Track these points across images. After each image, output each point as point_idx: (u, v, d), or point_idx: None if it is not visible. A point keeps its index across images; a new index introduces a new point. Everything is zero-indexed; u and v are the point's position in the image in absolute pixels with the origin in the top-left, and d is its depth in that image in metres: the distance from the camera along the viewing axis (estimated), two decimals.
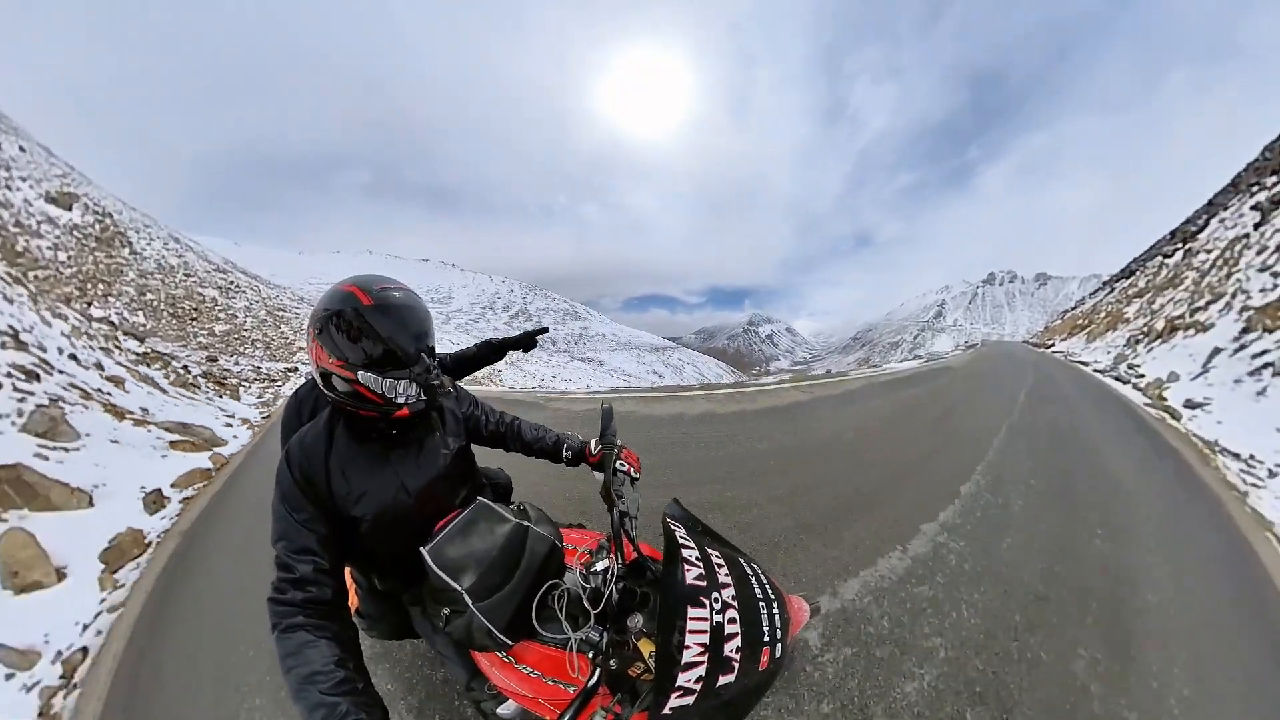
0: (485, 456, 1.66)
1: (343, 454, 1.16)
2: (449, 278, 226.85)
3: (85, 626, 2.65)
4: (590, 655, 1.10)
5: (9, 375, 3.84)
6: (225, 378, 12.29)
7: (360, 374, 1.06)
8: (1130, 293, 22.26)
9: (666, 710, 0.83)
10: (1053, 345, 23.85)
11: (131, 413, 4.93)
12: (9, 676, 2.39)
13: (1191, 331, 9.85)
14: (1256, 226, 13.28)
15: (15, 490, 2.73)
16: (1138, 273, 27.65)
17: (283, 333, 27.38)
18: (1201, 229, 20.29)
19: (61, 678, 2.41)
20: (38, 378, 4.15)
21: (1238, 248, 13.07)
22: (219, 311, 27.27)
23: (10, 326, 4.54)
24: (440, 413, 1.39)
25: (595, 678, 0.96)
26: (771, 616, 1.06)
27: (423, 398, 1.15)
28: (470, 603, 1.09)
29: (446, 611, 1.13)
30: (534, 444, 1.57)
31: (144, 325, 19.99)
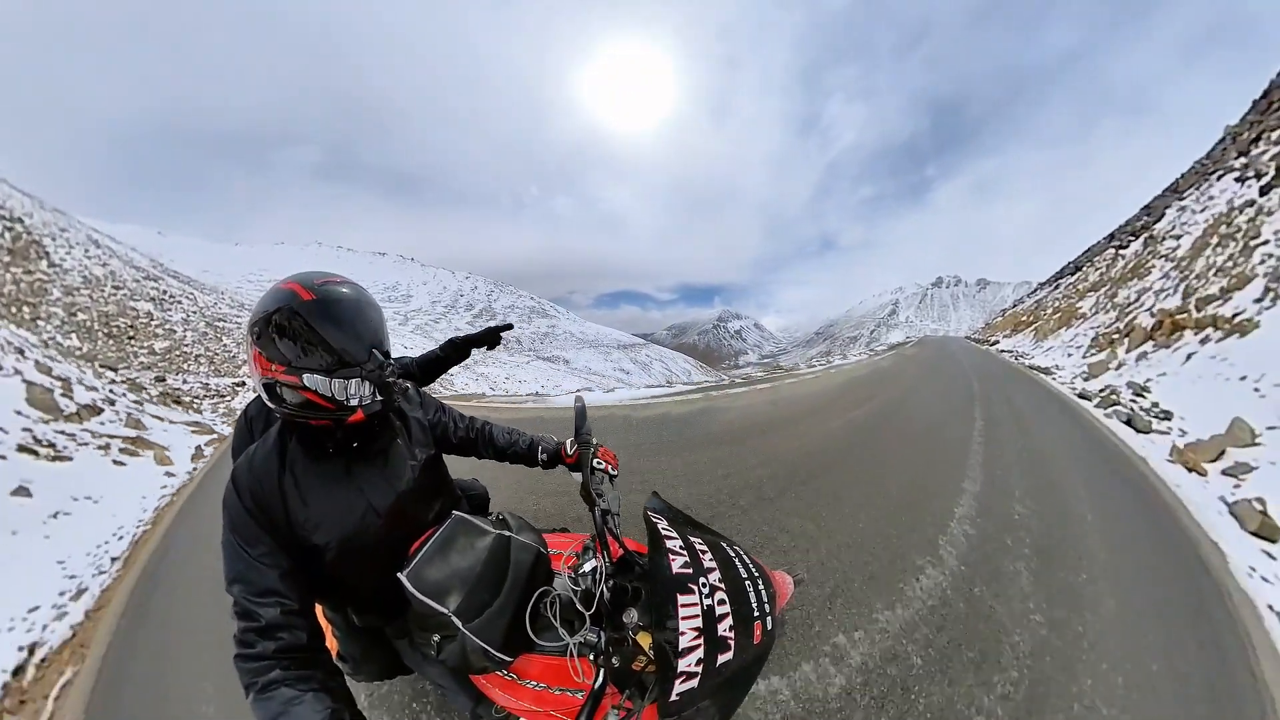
0: (458, 467, 1.56)
1: (298, 474, 1.07)
2: (408, 274, 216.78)
3: (192, 469, 6.32)
4: (592, 657, 1.09)
5: (104, 401, 7.33)
6: (180, 396, 13.27)
7: (305, 377, 0.97)
8: (1081, 287, 22.97)
9: (674, 696, 0.85)
10: (997, 343, 23.53)
11: (163, 418, 8.17)
12: (169, 474, 5.94)
13: (1215, 332, 7.02)
14: (1264, 191, 11.02)
15: (144, 443, 6.50)
16: (1085, 268, 27.26)
17: (225, 345, 26.68)
18: (1156, 220, 19.38)
19: (187, 479, 5.95)
20: (113, 403, 7.44)
21: (1240, 219, 10.46)
22: (156, 327, 26.30)
23: (75, 378, 7.59)
24: (405, 421, 1.31)
25: (601, 678, 0.98)
26: (758, 593, 1.09)
27: (378, 397, 1.06)
28: (460, 625, 1.02)
29: (437, 638, 1.07)
30: (507, 449, 1.54)
31: (80, 349, 18.86)
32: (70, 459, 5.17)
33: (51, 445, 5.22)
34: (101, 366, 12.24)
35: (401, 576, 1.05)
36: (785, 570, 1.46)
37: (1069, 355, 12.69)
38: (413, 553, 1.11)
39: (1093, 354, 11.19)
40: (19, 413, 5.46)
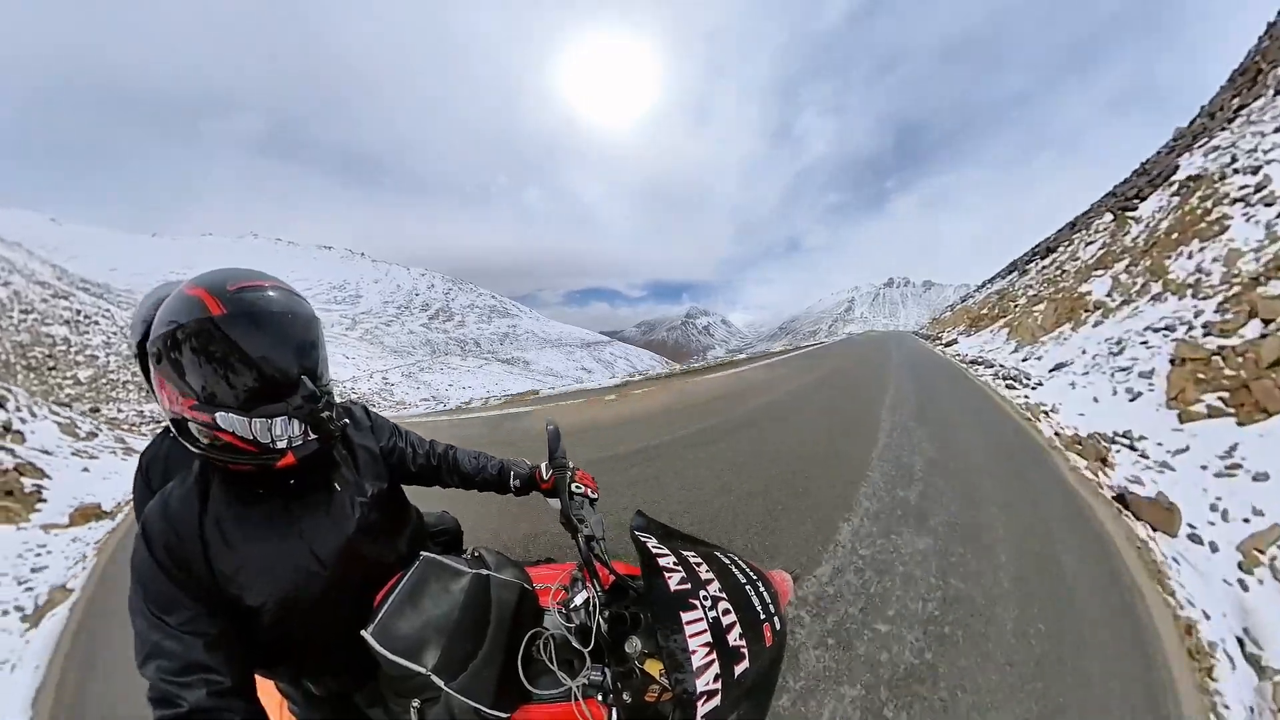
0: (425, 500, 1.40)
1: (223, 517, 0.88)
2: (357, 270, 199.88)
3: None
4: (600, 697, 0.96)
5: (96, 430, 10.54)
6: (119, 425, 12.97)
7: (218, 416, 0.80)
8: (1072, 268, 19.81)
9: (699, 719, 0.82)
10: (954, 342, 19.74)
11: (135, 436, 11.94)
12: None
13: None
14: None
15: (133, 450, 10.82)
16: (1061, 247, 22.94)
17: None
18: (1169, 173, 14.65)
19: None
20: (100, 431, 10.72)
21: None
22: (76, 354, 23.48)
23: (71, 418, 10.61)
24: (352, 450, 1.11)
25: (615, 719, 0.91)
26: (760, 595, 1.04)
27: (312, 437, 0.89)
28: (442, 684, 0.87)
29: (417, 703, 0.93)
30: (475, 475, 1.39)
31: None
32: (98, 458, 8.80)
33: (85, 453, 8.75)
34: (58, 404, 12.69)
35: (366, 634, 0.88)
36: (781, 568, 1.37)
37: (1127, 395, 6.58)
38: (377, 605, 0.95)
39: (1225, 407, 5.27)
40: (60, 439, 8.86)
